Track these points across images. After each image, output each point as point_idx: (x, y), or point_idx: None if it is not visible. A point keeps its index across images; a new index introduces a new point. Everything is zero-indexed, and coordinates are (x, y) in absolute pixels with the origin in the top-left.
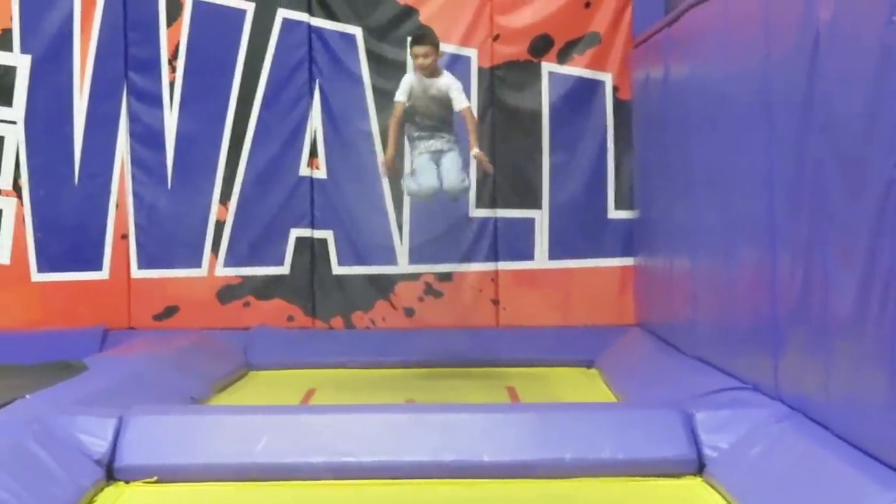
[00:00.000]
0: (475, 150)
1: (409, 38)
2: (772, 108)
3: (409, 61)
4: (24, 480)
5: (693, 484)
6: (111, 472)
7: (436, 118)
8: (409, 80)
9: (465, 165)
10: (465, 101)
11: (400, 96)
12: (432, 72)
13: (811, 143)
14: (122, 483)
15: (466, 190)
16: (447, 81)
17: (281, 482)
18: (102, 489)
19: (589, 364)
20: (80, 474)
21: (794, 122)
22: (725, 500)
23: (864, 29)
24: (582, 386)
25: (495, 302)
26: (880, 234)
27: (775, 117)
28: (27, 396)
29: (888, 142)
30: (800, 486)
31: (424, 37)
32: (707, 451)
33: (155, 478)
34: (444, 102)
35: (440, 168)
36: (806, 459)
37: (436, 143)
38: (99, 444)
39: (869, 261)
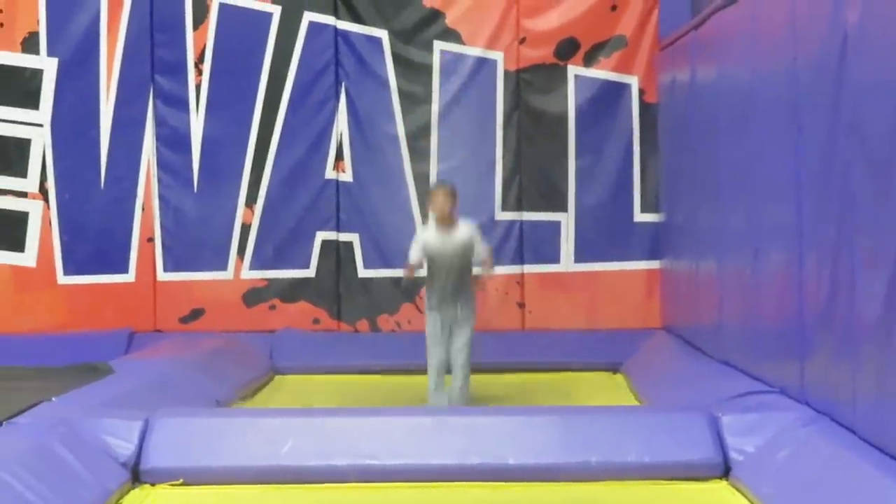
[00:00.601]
0: (486, 274)
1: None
2: (799, 111)
3: (436, 69)
4: (50, 482)
5: (719, 487)
6: (137, 475)
7: (455, 273)
8: (423, 238)
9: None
10: (487, 247)
11: (413, 257)
12: (449, 221)
13: (839, 146)
14: (147, 485)
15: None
16: (467, 231)
17: (306, 485)
18: (128, 491)
19: (615, 368)
20: (107, 476)
21: (822, 124)
22: (751, 503)
23: (891, 31)
24: (607, 391)
25: (521, 305)
26: None
27: (803, 120)
28: (53, 399)
29: None
30: (826, 490)
31: (443, 182)
32: (733, 455)
33: (181, 480)
34: (465, 255)
35: (451, 342)
36: (832, 463)
37: (451, 313)
38: (125, 447)
39: None
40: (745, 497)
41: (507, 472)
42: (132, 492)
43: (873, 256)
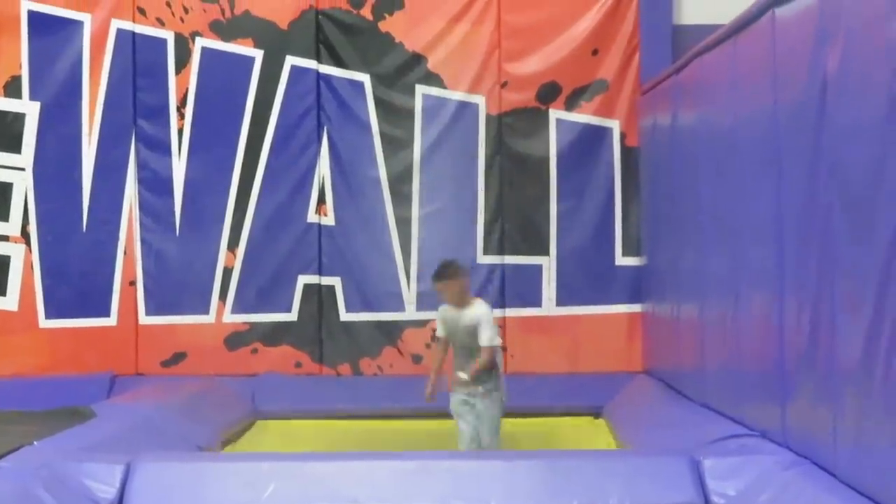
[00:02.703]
0: (468, 374)
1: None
2: (780, 155)
3: (418, 113)
4: None
5: None
6: None
7: (469, 350)
8: (441, 313)
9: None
10: (488, 339)
11: (439, 331)
12: (460, 302)
13: (819, 190)
14: None
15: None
16: (478, 312)
17: None
18: None
19: (597, 411)
20: None
21: (802, 169)
22: None
23: (871, 77)
24: (589, 436)
25: (503, 349)
26: (888, 282)
27: (784, 164)
28: (35, 443)
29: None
30: None
31: (437, 274)
32: (714, 499)
33: None
34: (475, 334)
35: (476, 419)
36: None
37: (470, 388)
38: (106, 491)
39: (877, 308)
40: None
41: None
42: None
43: (853, 300)
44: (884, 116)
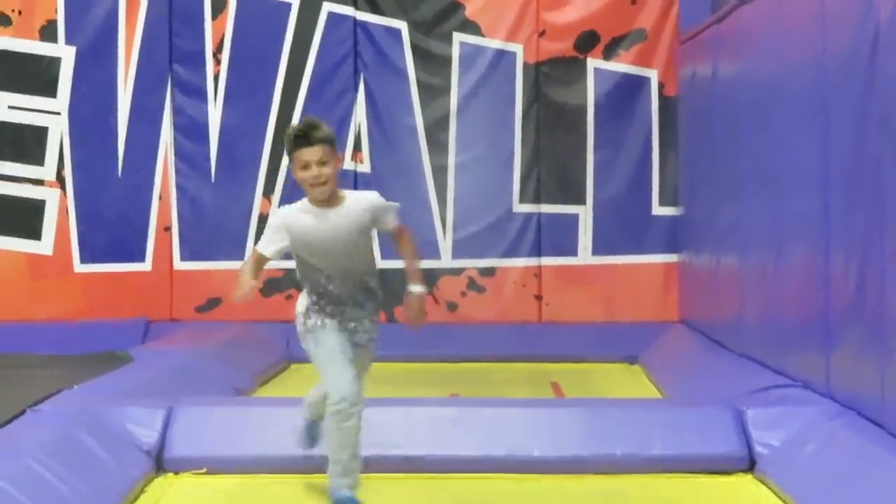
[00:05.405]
0: (417, 290)
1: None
2: (828, 105)
3: (455, 61)
4: (77, 471)
5: (744, 481)
6: (160, 463)
7: (348, 278)
8: (285, 217)
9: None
10: (395, 218)
11: (265, 247)
12: (330, 197)
13: (869, 140)
14: (171, 474)
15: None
16: (360, 202)
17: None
18: (152, 480)
19: (632, 360)
20: (131, 465)
21: (851, 119)
22: (777, 496)
23: None
24: (626, 382)
25: (538, 297)
26: None
27: (831, 114)
28: (75, 387)
29: None
30: (856, 484)
31: (310, 132)
32: (758, 449)
33: (204, 469)
34: (359, 243)
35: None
36: (861, 457)
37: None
38: (148, 435)
39: None
40: (771, 490)
41: (532, 464)
42: (156, 480)
43: None
44: None
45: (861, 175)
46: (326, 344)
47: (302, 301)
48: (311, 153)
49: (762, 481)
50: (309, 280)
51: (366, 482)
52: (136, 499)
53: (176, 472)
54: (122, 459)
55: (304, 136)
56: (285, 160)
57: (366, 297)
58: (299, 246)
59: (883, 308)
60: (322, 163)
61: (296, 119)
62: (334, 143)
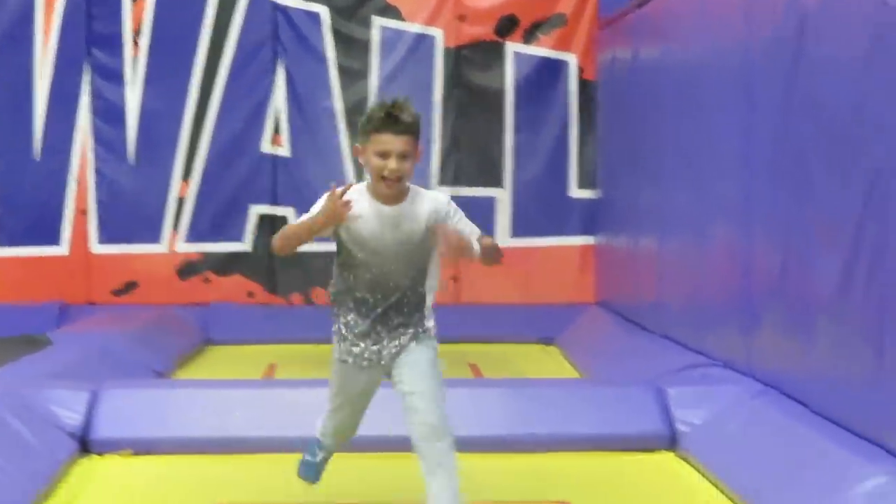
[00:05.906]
0: (487, 241)
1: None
2: (752, 90)
3: (375, 45)
4: (3, 454)
5: (666, 458)
6: (86, 445)
7: (401, 286)
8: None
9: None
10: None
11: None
12: (398, 192)
13: (794, 124)
14: (96, 455)
15: None
16: (427, 202)
17: (254, 454)
18: (77, 461)
19: (548, 341)
20: (57, 447)
21: (776, 103)
22: (700, 473)
23: (853, 10)
24: (544, 363)
25: (455, 279)
26: (866, 214)
27: (756, 99)
28: None
29: (877, 122)
30: (779, 461)
31: (401, 116)
32: (680, 427)
33: (130, 450)
34: (423, 249)
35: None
36: (782, 434)
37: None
38: (73, 418)
39: (854, 240)
40: (694, 467)
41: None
42: (81, 462)
43: (830, 233)
44: (866, 51)
45: (784, 159)
46: (344, 387)
47: (334, 318)
48: (395, 142)
49: (685, 459)
50: (348, 282)
51: (291, 462)
52: (62, 480)
53: (101, 454)
54: (48, 442)
55: (395, 120)
56: (204, 143)
57: (408, 319)
58: (352, 235)
59: (807, 289)
60: (403, 156)
61: (214, 101)
62: (419, 135)
